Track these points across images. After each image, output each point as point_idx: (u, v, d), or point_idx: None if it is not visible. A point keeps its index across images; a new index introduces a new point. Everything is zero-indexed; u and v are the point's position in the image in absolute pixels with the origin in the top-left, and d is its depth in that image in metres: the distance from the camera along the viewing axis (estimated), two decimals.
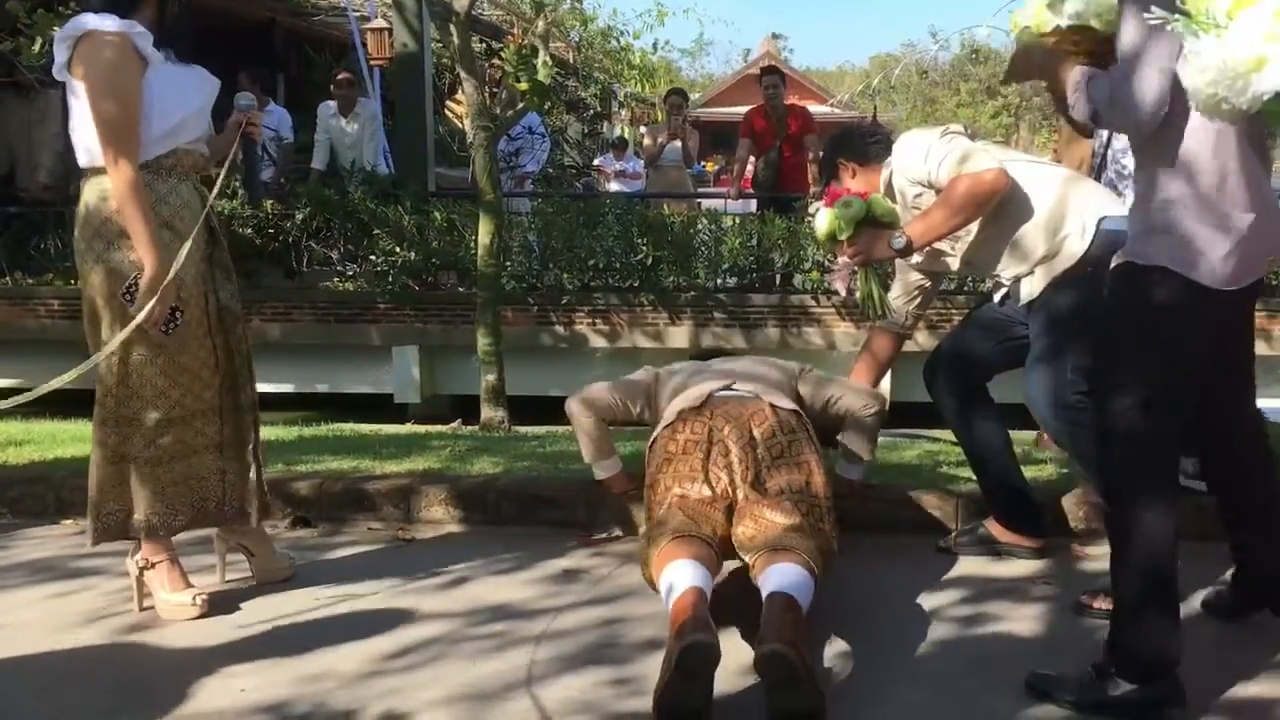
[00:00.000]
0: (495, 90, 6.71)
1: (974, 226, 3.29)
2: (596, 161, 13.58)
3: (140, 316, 2.90)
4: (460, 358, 8.59)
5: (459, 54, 5.75)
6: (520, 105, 5.96)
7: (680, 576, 2.58)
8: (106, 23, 2.92)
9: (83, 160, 3.03)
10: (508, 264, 8.43)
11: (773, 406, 3.08)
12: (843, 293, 4.47)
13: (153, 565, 3.14)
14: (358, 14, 11.16)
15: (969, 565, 3.41)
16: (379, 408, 8.63)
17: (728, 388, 3.20)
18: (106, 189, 2.98)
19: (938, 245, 3.39)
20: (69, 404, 5.23)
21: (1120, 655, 2.42)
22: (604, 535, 3.78)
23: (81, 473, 3.17)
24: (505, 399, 5.87)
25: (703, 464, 2.95)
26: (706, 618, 2.43)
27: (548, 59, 5.87)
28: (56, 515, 4.07)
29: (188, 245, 2.97)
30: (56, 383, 2.68)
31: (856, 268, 3.55)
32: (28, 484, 4.17)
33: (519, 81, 5.83)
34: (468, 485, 4.05)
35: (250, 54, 10.86)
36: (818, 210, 3.51)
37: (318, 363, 9.09)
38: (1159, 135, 2.27)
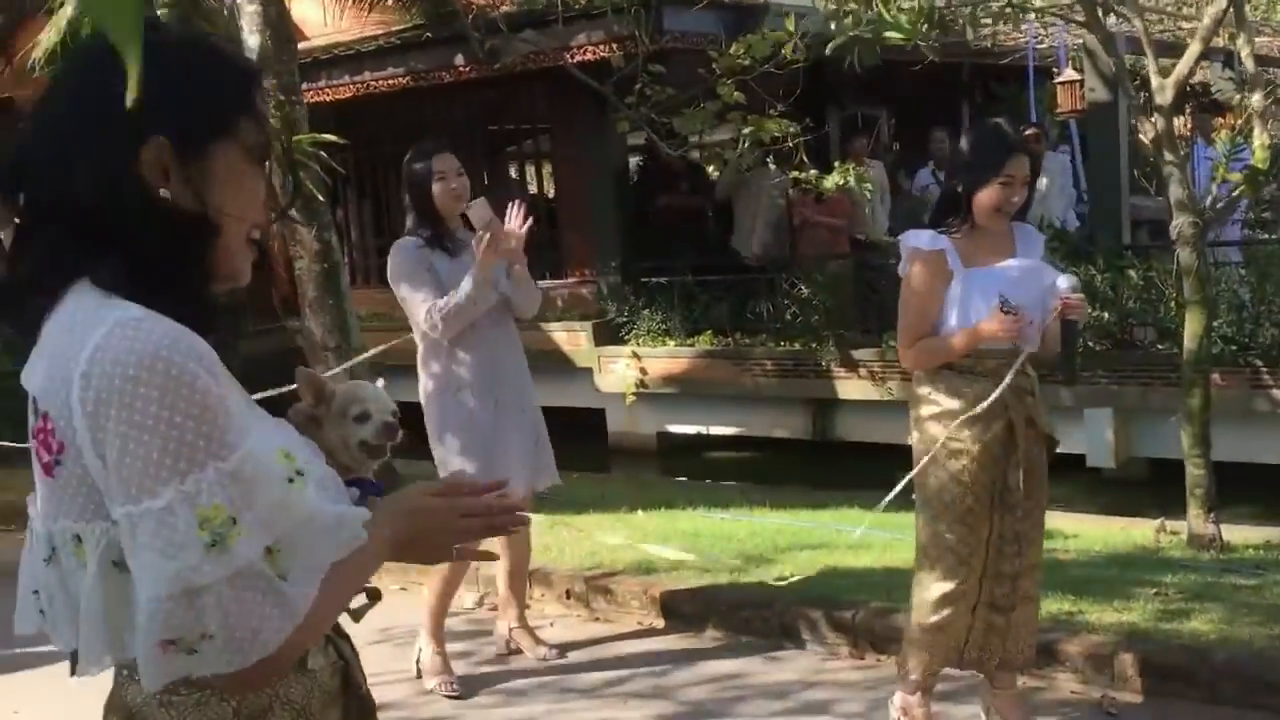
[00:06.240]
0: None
1: None
2: None
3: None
4: (1158, 419, 8.07)
5: (1161, 141, 5.43)
6: (1235, 193, 5.48)
7: None
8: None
9: None
10: (1215, 322, 7.75)
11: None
12: None
13: None
14: (1039, 65, 10.93)
15: None
16: (1068, 466, 8.43)
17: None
18: None
19: None
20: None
21: None
22: None
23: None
24: (1216, 513, 5.41)
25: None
26: None
27: (1265, 139, 5.33)
28: (780, 638, 4.55)
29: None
30: None
31: None
32: (755, 607, 4.68)
33: (1228, 171, 5.38)
34: (1177, 652, 3.88)
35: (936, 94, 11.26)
36: None
37: None
38: None
